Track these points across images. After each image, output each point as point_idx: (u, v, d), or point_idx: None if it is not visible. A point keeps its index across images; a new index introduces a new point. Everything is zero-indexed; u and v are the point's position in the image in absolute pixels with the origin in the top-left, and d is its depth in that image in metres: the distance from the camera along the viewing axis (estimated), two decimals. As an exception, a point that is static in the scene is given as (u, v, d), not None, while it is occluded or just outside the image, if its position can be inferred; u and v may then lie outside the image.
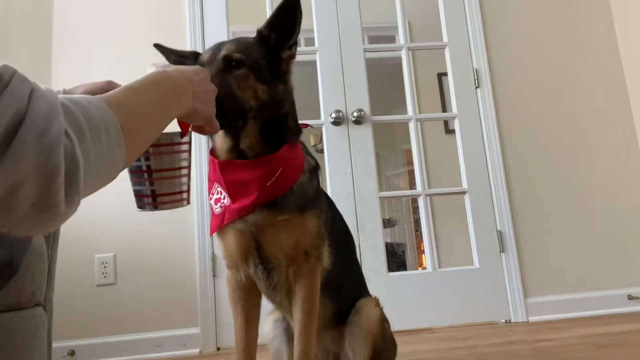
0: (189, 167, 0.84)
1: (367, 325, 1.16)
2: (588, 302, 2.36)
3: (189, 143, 0.84)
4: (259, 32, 1.03)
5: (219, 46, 1.00)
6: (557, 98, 2.59)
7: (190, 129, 0.83)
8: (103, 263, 2.23)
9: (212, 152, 1.05)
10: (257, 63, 0.97)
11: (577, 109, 2.59)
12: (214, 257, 2.27)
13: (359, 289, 1.27)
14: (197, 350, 2.19)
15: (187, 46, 2.45)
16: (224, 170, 0.99)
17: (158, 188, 0.79)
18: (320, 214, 1.06)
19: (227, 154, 1.01)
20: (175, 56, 1.10)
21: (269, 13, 2.53)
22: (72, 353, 2.11)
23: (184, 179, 0.83)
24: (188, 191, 0.84)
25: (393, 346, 1.27)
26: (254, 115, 0.97)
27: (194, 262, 2.27)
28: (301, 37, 3.50)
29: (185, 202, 0.83)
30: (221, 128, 0.87)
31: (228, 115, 0.89)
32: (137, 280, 2.24)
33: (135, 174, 0.79)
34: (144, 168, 0.78)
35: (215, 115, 0.82)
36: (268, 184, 0.96)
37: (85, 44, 2.43)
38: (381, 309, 1.23)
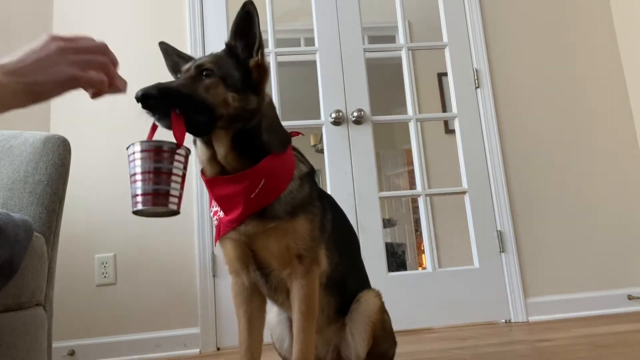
0: (183, 177, 0.90)
1: (366, 312, 1.19)
2: (588, 302, 2.36)
3: (185, 157, 0.90)
4: (227, 44, 1.06)
5: (197, 59, 1.05)
6: (557, 98, 2.59)
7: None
8: (103, 263, 2.23)
9: (202, 171, 1.09)
10: (228, 73, 1.01)
11: (577, 109, 2.59)
12: (214, 257, 2.27)
13: (362, 284, 1.29)
14: (197, 350, 2.19)
15: (187, 46, 2.45)
16: (212, 186, 1.04)
17: (158, 188, 0.85)
18: (313, 217, 1.08)
19: (210, 166, 1.04)
20: (177, 57, 1.14)
21: (269, 13, 2.54)
22: (72, 353, 2.11)
23: (177, 186, 0.88)
24: (179, 199, 0.89)
25: (392, 338, 1.28)
26: (224, 124, 0.99)
27: (194, 262, 2.27)
28: (301, 37, 3.51)
29: (175, 206, 0.88)
30: (189, 131, 0.93)
31: (193, 114, 0.93)
32: (137, 280, 2.24)
33: (146, 174, 0.85)
34: (152, 169, 0.85)
35: (179, 109, 0.89)
36: (252, 196, 0.99)
37: (85, 44, 2.43)
38: (382, 300, 1.25)
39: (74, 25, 2.44)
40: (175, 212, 0.89)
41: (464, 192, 2.49)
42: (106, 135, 2.34)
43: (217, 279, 2.27)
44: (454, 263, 2.71)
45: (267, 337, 1.23)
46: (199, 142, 1.05)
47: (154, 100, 0.89)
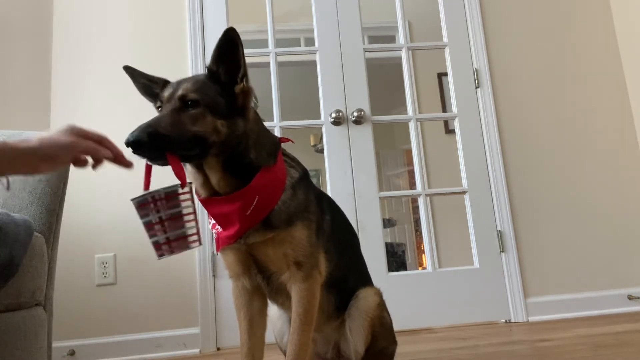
0: (194, 212, 0.93)
1: (364, 308, 1.20)
2: (588, 302, 2.36)
3: (190, 192, 0.93)
4: (208, 68, 1.04)
5: (178, 84, 1.02)
6: (558, 98, 2.59)
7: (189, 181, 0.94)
8: (103, 263, 2.23)
9: (196, 191, 1.09)
10: (214, 100, 0.99)
11: (577, 109, 2.59)
12: (214, 257, 2.27)
13: (363, 282, 1.30)
14: (197, 350, 2.19)
15: (187, 47, 2.45)
16: (207, 206, 1.07)
17: (172, 235, 0.90)
18: (310, 224, 1.09)
19: (204, 190, 1.06)
20: (145, 80, 1.11)
21: (269, 13, 2.53)
22: (72, 353, 2.11)
23: (192, 224, 0.92)
24: (198, 233, 0.94)
25: (392, 336, 1.29)
26: (216, 152, 0.99)
27: (194, 262, 2.27)
28: (301, 37, 3.51)
29: (197, 243, 0.93)
30: (183, 161, 0.96)
31: (181, 148, 0.94)
32: (137, 280, 2.24)
33: (150, 227, 0.90)
34: (156, 220, 0.89)
35: (173, 150, 0.91)
36: (247, 213, 1.01)
37: (85, 44, 2.42)
38: (381, 298, 1.26)
39: (73, 25, 2.44)
40: (197, 246, 0.94)
41: (464, 192, 2.49)
42: (106, 135, 2.34)
43: (217, 279, 2.27)
44: (454, 263, 2.71)
45: (269, 337, 1.23)
46: (189, 166, 1.04)
47: (145, 146, 0.89)
